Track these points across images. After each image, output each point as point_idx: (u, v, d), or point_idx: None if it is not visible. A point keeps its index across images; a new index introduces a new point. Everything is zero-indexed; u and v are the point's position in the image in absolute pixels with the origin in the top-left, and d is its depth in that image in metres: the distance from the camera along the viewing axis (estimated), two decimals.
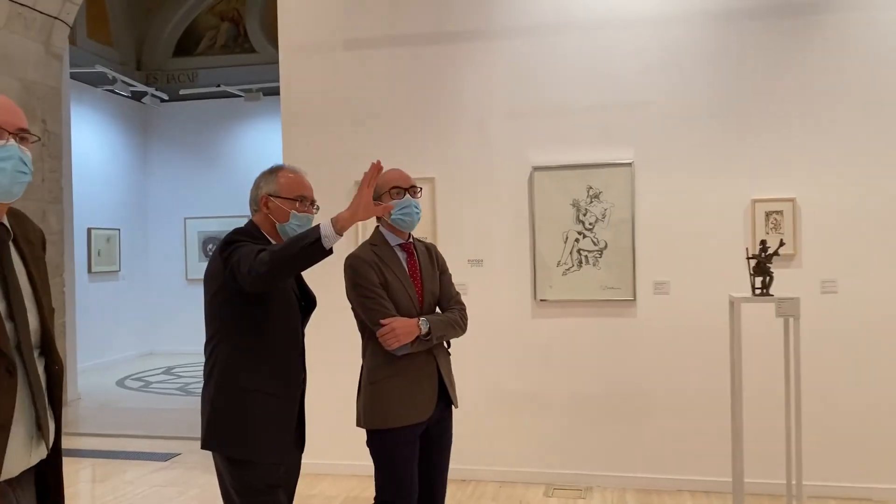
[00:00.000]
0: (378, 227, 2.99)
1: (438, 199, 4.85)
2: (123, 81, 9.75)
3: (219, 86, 10.58)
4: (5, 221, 1.82)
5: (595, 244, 4.63)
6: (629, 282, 4.59)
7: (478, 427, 4.67)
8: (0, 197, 1.76)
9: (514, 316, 4.79)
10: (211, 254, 2.37)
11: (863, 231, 4.33)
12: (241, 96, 10.90)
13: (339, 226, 2.19)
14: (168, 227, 11.40)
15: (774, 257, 3.32)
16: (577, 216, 4.65)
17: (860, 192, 4.33)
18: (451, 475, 3.10)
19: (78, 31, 10.08)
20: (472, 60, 4.83)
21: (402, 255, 2.95)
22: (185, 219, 11.40)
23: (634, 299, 4.59)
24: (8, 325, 1.73)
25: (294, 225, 2.55)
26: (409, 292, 2.89)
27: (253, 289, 2.29)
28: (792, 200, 4.39)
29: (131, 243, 11.04)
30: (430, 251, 3.09)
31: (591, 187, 4.63)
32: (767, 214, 4.41)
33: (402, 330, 2.75)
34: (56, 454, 1.88)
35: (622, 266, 4.60)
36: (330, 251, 2.21)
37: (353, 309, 2.90)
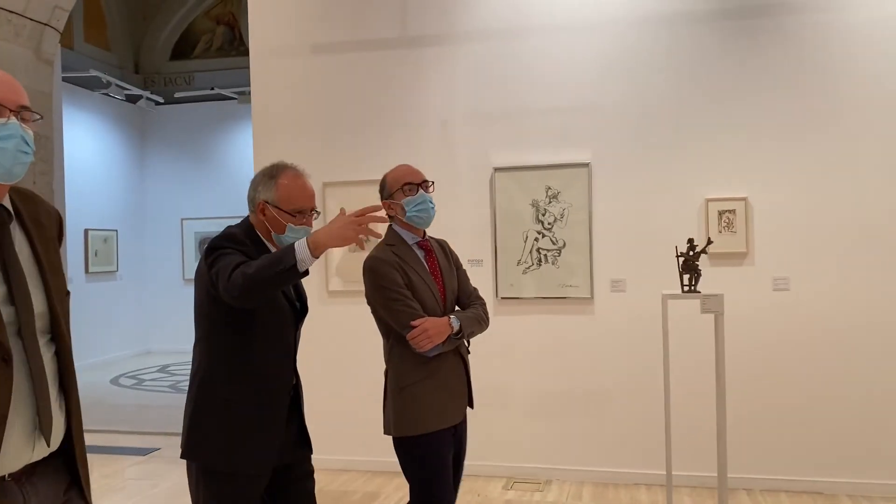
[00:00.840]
0: (391, 225, 2.86)
1: None
2: (118, 85, 9.94)
3: (213, 88, 10.75)
4: (6, 203, 1.71)
5: (554, 243, 4.73)
6: (587, 280, 4.69)
7: None
8: (1, 178, 1.65)
9: None
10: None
11: (813, 229, 4.41)
12: (234, 98, 11.07)
13: (316, 251, 2.07)
14: (165, 228, 11.59)
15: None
16: (537, 216, 4.76)
17: (810, 192, 4.42)
18: None
19: (76, 36, 10.29)
20: (435, 65, 4.95)
21: (420, 254, 2.85)
22: (182, 220, 11.59)
23: (592, 297, 4.70)
24: (7, 310, 1.61)
25: (290, 237, 2.40)
26: (432, 291, 2.79)
27: (231, 303, 2.20)
28: (744, 200, 4.48)
29: (129, 244, 11.24)
30: (444, 247, 3.00)
31: (549, 188, 4.73)
32: (720, 213, 4.50)
33: (434, 330, 2.65)
34: (72, 442, 1.77)
35: (580, 264, 4.70)
36: (306, 273, 2.10)
37: (374, 312, 2.81)
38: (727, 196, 4.50)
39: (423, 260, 2.84)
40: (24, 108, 1.69)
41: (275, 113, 5.21)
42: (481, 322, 2.87)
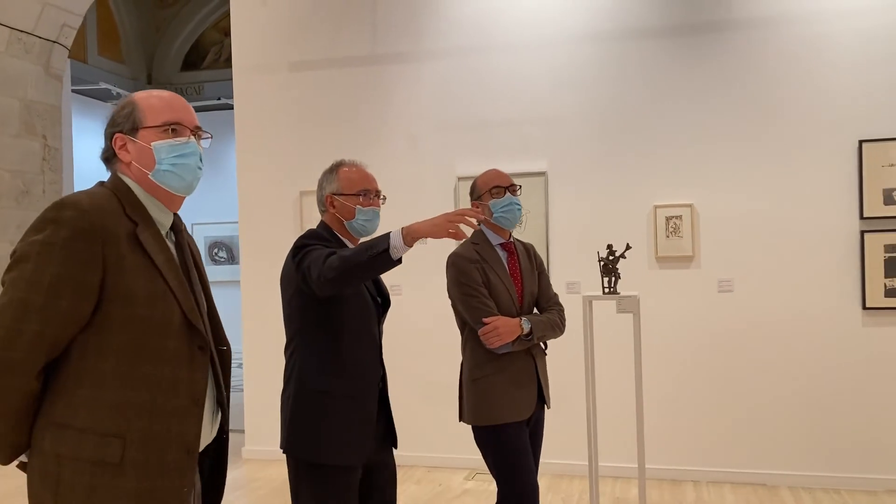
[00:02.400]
0: (480, 226, 3.00)
1: None
2: None
3: (219, 98, 11.15)
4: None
5: None
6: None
7: (409, 417, 5.07)
8: (182, 191, 1.81)
9: (444, 316, 5.15)
10: (285, 258, 2.53)
11: (756, 233, 4.65)
12: None
13: (410, 238, 2.11)
14: None
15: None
16: None
17: (752, 198, 4.65)
18: None
19: (89, 50, 10.76)
20: (403, 80, 5.26)
21: (503, 255, 2.96)
22: (193, 224, 12.00)
23: None
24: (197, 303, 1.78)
25: (361, 220, 2.53)
26: (510, 292, 2.89)
27: (323, 293, 2.27)
28: (690, 206, 4.72)
29: None
30: (529, 251, 3.10)
31: None
32: (668, 219, 4.75)
33: (504, 329, 2.76)
34: (224, 432, 1.90)
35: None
36: (399, 261, 2.14)
37: (452, 306, 2.98)
38: (674, 203, 4.75)
39: (504, 261, 2.95)
40: (198, 128, 1.84)
41: (255, 125, 5.55)
42: (555, 328, 2.96)
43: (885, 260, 4.45)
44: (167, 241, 1.80)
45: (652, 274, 4.79)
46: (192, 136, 1.81)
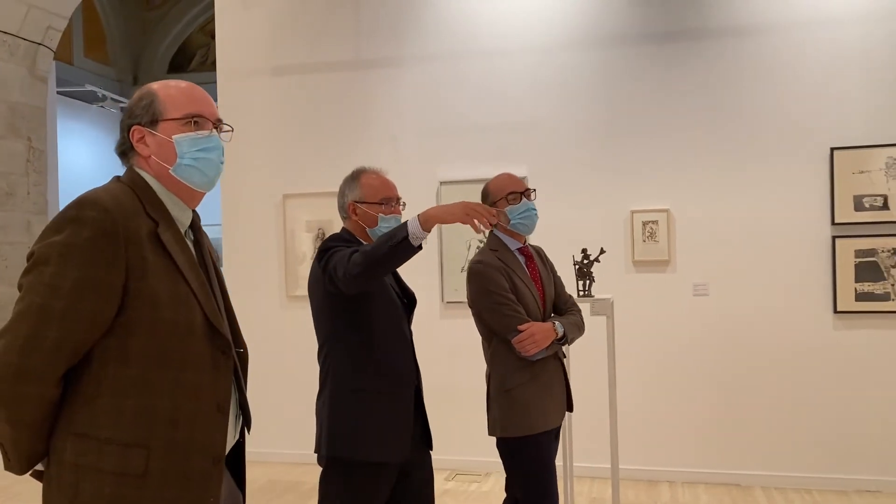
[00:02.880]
0: (493, 233, 2.95)
1: None
2: (113, 98, 10.39)
3: None
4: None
5: None
6: None
7: None
8: (203, 187, 1.75)
9: (426, 316, 5.19)
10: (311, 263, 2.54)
11: (730, 238, 4.74)
12: None
13: (427, 224, 2.14)
14: None
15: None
16: None
17: (727, 203, 4.75)
18: None
19: (75, 52, 10.76)
20: (385, 84, 5.33)
21: (521, 259, 2.92)
22: None
23: None
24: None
25: (384, 228, 2.55)
26: (534, 296, 2.85)
27: (350, 290, 2.30)
28: (666, 211, 4.81)
29: None
30: (541, 254, 3.09)
31: None
32: (644, 224, 4.84)
33: (541, 335, 2.70)
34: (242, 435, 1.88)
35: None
36: (419, 247, 2.18)
37: (475, 316, 2.89)
38: (651, 208, 4.84)
39: (524, 265, 2.91)
40: (219, 120, 1.78)
41: (239, 129, 5.58)
42: (580, 328, 2.94)
43: (855, 265, 4.55)
44: (186, 239, 1.73)
45: (629, 278, 4.88)
46: (214, 129, 1.74)
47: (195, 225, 1.80)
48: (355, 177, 2.64)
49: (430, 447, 2.63)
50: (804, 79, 4.65)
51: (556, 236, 4.99)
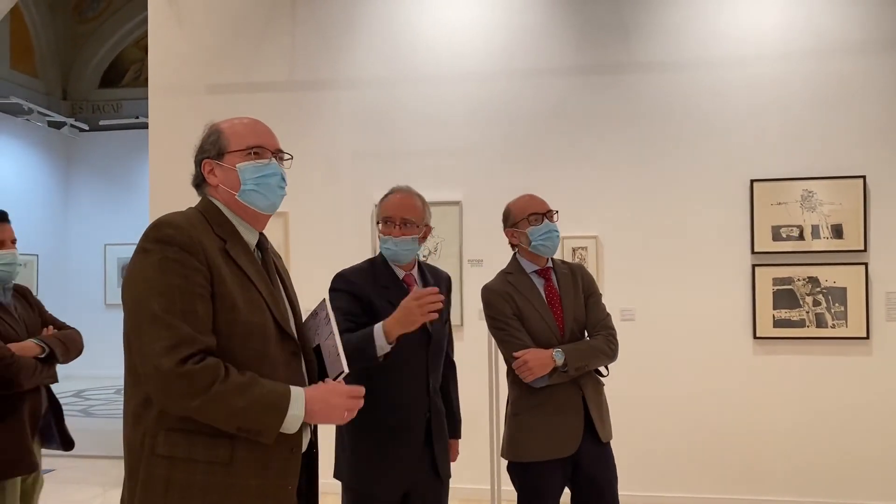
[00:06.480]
0: (515, 254, 2.93)
1: (291, 233, 5.30)
2: (40, 112, 10.09)
3: (137, 117, 10.96)
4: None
5: None
6: (457, 308, 5.07)
7: None
8: (266, 209, 1.91)
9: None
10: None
11: (655, 265, 4.89)
12: None
13: (389, 337, 2.30)
14: (88, 253, 11.68)
15: None
16: None
17: (652, 231, 4.90)
18: None
19: (1, 63, 10.43)
20: (321, 107, 5.33)
21: (539, 282, 2.84)
22: (106, 245, 11.69)
23: (462, 324, 5.08)
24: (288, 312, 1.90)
25: (382, 248, 2.67)
26: (546, 321, 2.77)
27: None
28: (595, 238, 4.93)
29: (50, 269, 11.27)
30: (576, 274, 2.94)
31: None
32: (574, 250, 4.94)
33: (534, 363, 2.65)
34: (314, 446, 1.97)
35: (452, 294, 5.07)
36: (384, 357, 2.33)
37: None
38: (580, 234, 4.95)
39: (540, 288, 2.83)
40: (280, 150, 1.96)
41: (171, 146, 5.50)
42: (598, 354, 2.78)
43: (773, 292, 4.74)
44: (254, 255, 1.91)
45: None
46: (274, 158, 1.91)
47: (262, 245, 1.96)
48: (382, 200, 2.82)
49: (439, 475, 2.61)
50: (726, 113, 4.86)
51: (489, 260, 5.06)
